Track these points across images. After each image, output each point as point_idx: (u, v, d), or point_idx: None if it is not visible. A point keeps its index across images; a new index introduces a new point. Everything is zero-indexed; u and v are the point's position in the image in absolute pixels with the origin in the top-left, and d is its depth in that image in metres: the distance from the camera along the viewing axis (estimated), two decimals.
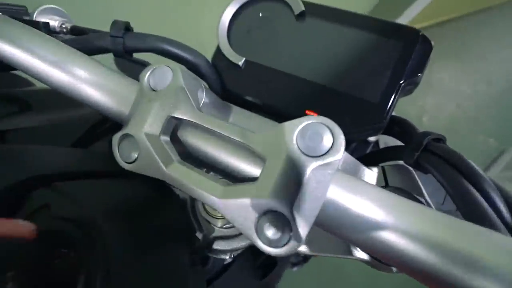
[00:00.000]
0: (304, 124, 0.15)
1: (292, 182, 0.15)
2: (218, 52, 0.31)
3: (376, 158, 0.28)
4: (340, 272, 1.59)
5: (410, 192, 0.25)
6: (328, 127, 0.15)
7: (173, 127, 0.19)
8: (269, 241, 0.15)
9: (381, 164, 0.28)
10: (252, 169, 0.18)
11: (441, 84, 2.34)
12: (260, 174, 0.16)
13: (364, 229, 0.15)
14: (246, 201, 0.15)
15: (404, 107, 2.18)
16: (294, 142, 0.15)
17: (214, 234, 0.25)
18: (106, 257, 0.17)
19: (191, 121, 0.18)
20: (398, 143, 0.28)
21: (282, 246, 0.15)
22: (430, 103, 2.24)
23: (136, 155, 0.18)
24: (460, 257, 0.14)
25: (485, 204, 0.18)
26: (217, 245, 0.26)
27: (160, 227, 0.23)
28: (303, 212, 0.15)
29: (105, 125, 0.34)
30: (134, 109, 0.19)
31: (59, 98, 0.34)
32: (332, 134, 0.15)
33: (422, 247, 0.14)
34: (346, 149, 0.30)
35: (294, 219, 0.15)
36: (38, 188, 0.20)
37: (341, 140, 0.15)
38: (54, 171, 0.23)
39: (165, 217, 0.24)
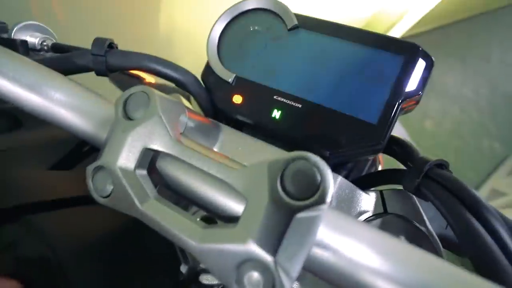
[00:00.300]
0: (288, 162, 0.14)
1: (275, 227, 0.13)
2: (208, 68, 0.29)
3: (374, 180, 0.26)
4: None
5: (410, 220, 0.24)
6: (314, 165, 0.13)
7: (151, 158, 0.17)
8: None
9: (379, 188, 0.26)
10: (234, 206, 0.16)
11: (444, 88, 2.31)
12: (241, 216, 0.14)
13: (356, 276, 0.14)
14: (226, 246, 0.14)
15: None
16: (278, 183, 0.13)
17: (200, 267, 0.24)
18: None
19: (169, 153, 0.16)
20: None
21: None
22: (433, 108, 2.21)
23: (109, 190, 0.17)
24: None
25: (488, 239, 0.17)
26: (204, 279, 0.24)
27: (140, 260, 0.21)
28: (288, 260, 0.13)
29: (84, 147, 0.33)
30: (109, 137, 0.18)
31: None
32: (320, 173, 0.13)
33: None
34: (342, 169, 0.29)
35: (277, 268, 0.13)
36: (8, 221, 0.19)
37: (329, 182, 0.13)
38: (29, 199, 0.21)
39: (146, 248, 0.22)
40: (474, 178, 2.01)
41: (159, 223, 0.15)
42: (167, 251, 0.24)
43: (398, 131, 2.09)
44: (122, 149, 0.17)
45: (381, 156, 0.41)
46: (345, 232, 0.14)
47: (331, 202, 0.13)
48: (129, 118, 0.17)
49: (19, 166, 0.24)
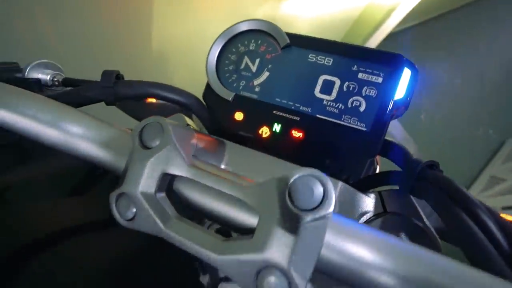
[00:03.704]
0: (294, 178, 0.15)
1: (287, 236, 0.15)
2: (208, 88, 0.31)
3: (372, 182, 0.28)
4: None
5: (408, 217, 0.26)
6: (317, 179, 0.15)
7: (168, 182, 0.19)
8: None
9: (378, 189, 0.28)
10: (249, 219, 0.18)
11: (436, 80, 2.35)
12: (256, 229, 0.16)
13: (362, 274, 0.15)
14: (245, 257, 0.15)
15: None
16: (286, 196, 0.15)
17: (219, 276, 0.26)
18: None
19: (186, 177, 0.18)
20: None
21: None
22: (427, 100, 2.24)
23: (134, 212, 0.19)
24: None
25: (477, 230, 0.19)
26: (223, 287, 0.26)
27: (161, 276, 0.23)
28: (301, 264, 0.15)
29: (97, 171, 0.34)
30: (128, 165, 0.19)
31: None
32: (323, 186, 0.15)
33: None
34: (343, 174, 0.30)
35: (292, 272, 0.15)
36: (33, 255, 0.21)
37: (331, 192, 0.15)
38: (53, 230, 0.23)
39: (166, 264, 0.24)
40: (472, 167, 2.03)
41: (182, 240, 0.17)
42: (187, 266, 0.25)
43: (397, 130, 2.09)
44: (142, 176, 0.18)
45: (378, 158, 0.43)
46: (350, 235, 0.16)
47: (334, 210, 0.15)
48: (145, 147, 0.19)
49: (34, 197, 0.26)
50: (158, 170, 0.18)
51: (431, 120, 2.18)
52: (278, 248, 0.15)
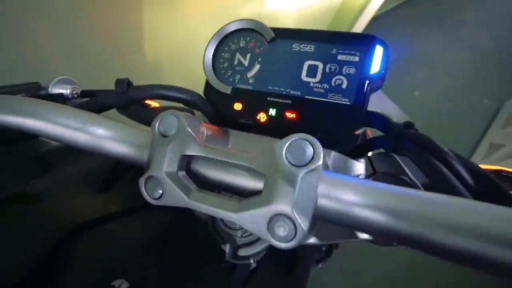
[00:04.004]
0: (289, 142, 0.19)
1: (288, 189, 0.19)
2: (208, 85, 0.35)
3: (362, 150, 0.32)
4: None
5: (396, 175, 0.29)
6: (308, 141, 0.19)
7: (187, 163, 0.23)
8: (281, 238, 0.19)
9: (368, 154, 0.31)
10: (255, 184, 0.22)
11: (426, 55, 2.37)
12: (263, 187, 0.20)
13: (353, 214, 0.19)
14: (257, 211, 0.19)
15: (395, 84, 2.21)
16: (284, 158, 0.19)
17: (237, 244, 0.29)
18: None
19: (202, 155, 0.22)
20: None
21: (291, 240, 0.19)
22: (419, 76, 2.27)
23: (161, 192, 0.22)
24: (431, 223, 0.17)
25: (451, 177, 0.22)
26: (241, 252, 0.30)
27: (191, 249, 0.27)
28: (302, 210, 0.19)
29: (118, 170, 0.38)
30: (151, 153, 0.23)
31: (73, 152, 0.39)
32: (312, 146, 0.19)
33: (400, 220, 0.18)
34: (336, 146, 0.34)
35: (296, 217, 0.19)
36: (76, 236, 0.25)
37: (319, 149, 0.19)
38: (92, 217, 0.27)
39: (192, 238, 0.28)
40: (471, 136, 2.06)
41: (204, 206, 0.21)
42: (209, 239, 0.29)
43: (389, 105, 2.13)
44: (165, 159, 0.22)
45: (370, 131, 0.46)
46: (341, 185, 0.20)
47: (323, 164, 0.19)
48: (163, 136, 0.23)
49: (76, 193, 0.30)
50: (177, 153, 0.22)
51: (427, 95, 2.20)
52: (282, 200, 0.19)
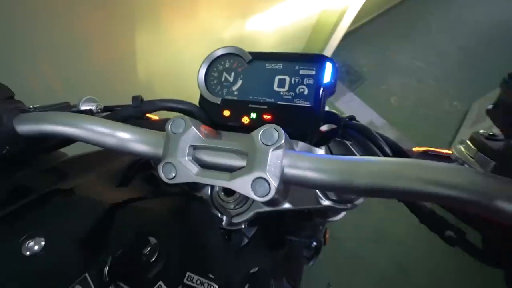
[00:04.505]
0: (262, 130, 0.29)
1: (263, 161, 0.28)
2: (202, 97, 0.44)
3: (322, 140, 0.42)
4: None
5: (347, 155, 0.39)
6: (275, 129, 0.29)
7: (193, 151, 0.32)
8: (261, 193, 0.28)
9: (328, 144, 0.41)
10: (240, 163, 0.31)
11: (398, 66, 2.55)
12: (247, 161, 0.29)
13: (308, 176, 0.29)
14: (243, 177, 0.29)
15: (372, 93, 2.37)
16: (259, 140, 0.28)
17: (231, 214, 0.38)
18: (173, 247, 0.30)
19: (203, 145, 0.31)
20: None
21: (267, 194, 0.28)
22: (394, 85, 2.44)
23: (174, 174, 0.31)
24: (358, 174, 0.27)
25: (378, 152, 0.32)
26: (235, 220, 0.38)
27: (197, 220, 0.35)
28: (273, 175, 0.28)
29: (133, 169, 0.47)
30: (166, 146, 0.32)
31: (97, 158, 0.47)
32: (277, 132, 0.29)
33: (339, 175, 0.27)
34: (304, 139, 0.44)
35: (269, 178, 0.28)
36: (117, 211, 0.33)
37: (282, 133, 0.28)
38: (123, 199, 0.35)
39: (200, 214, 0.36)
40: (446, 137, 2.21)
41: (207, 179, 0.30)
42: (207, 216, 0.38)
43: (367, 111, 2.25)
44: (177, 149, 0.31)
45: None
46: (298, 157, 0.29)
47: (287, 146, 0.28)
48: (174, 133, 0.32)
49: (100, 187, 0.38)
50: (186, 144, 0.31)
51: (402, 102, 2.36)
52: (259, 168, 0.28)
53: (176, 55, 1.16)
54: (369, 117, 2.25)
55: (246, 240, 0.43)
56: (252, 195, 0.28)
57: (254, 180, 0.28)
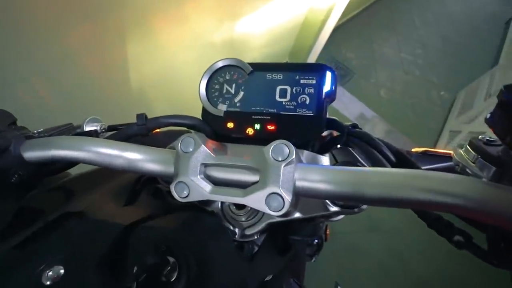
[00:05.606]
0: (272, 146, 0.30)
1: (276, 177, 0.29)
2: (204, 110, 0.45)
3: (326, 147, 0.43)
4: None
5: (351, 162, 0.40)
6: (284, 144, 0.29)
7: (204, 169, 0.33)
8: (275, 208, 0.29)
9: (332, 150, 0.42)
10: (252, 178, 0.32)
11: (385, 59, 2.59)
12: (259, 177, 0.30)
13: (319, 188, 0.30)
14: (257, 193, 0.29)
15: (362, 85, 2.40)
16: (270, 156, 0.29)
17: (243, 226, 0.39)
18: (190, 264, 0.30)
19: (214, 163, 0.32)
20: None
21: (281, 209, 0.29)
22: (382, 78, 2.48)
23: (186, 192, 0.32)
24: (367, 184, 0.28)
25: (382, 159, 0.34)
26: (247, 232, 0.39)
27: (214, 234, 0.36)
28: (286, 189, 0.29)
29: (137, 187, 0.47)
30: (177, 166, 0.33)
31: (99, 177, 0.47)
32: (287, 147, 0.29)
33: (349, 187, 0.28)
34: (307, 147, 0.45)
35: (283, 193, 0.29)
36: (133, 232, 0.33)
37: (292, 148, 0.29)
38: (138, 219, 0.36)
39: (214, 228, 0.37)
40: (434, 126, 2.27)
41: (220, 197, 0.31)
42: (220, 228, 0.39)
43: (358, 105, 2.28)
44: (189, 168, 0.32)
45: (335, 132, 0.58)
46: (309, 170, 0.30)
47: (297, 159, 0.29)
48: (184, 152, 0.33)
49: (106, 207, 0.38)
50: (197, 162, 0.32)
51: (391, 94, 2.40)
52: (273, 184, 0.29)
53: (168, 61, 1.15)
54: (360, 110, 2.28)
55: (256, 248, 0.44)
56: (266, 210, 0.29)
57: (268, 196, 0.29)
